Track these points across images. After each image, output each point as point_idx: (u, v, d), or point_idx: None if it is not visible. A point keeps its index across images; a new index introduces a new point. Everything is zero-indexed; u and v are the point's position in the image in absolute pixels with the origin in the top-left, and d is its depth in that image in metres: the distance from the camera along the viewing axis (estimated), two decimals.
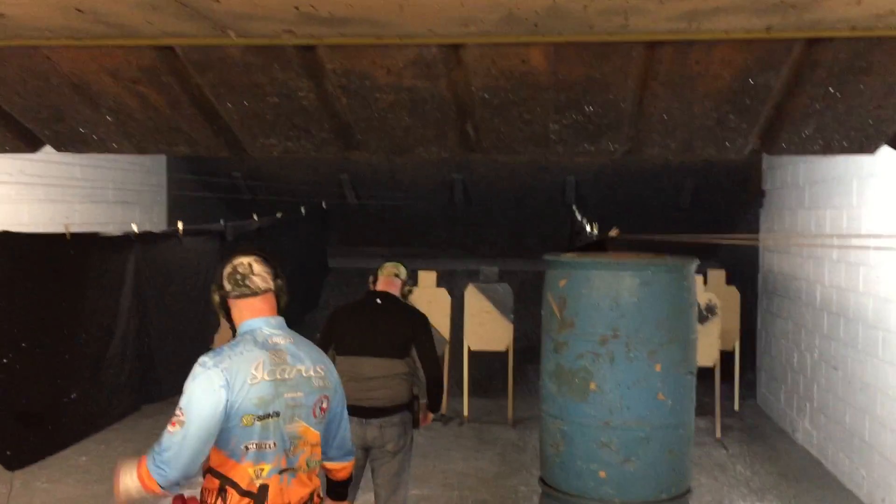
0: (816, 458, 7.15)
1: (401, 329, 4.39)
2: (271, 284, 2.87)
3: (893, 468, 5.63)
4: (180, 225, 6.29)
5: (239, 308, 2.85)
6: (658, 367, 3.80)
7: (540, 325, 4.17)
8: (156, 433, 2.71)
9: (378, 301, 4.46)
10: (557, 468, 3.99)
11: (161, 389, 5.86)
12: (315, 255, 10.26)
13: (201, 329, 6.34)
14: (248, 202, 9.95)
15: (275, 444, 2.69)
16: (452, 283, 9.29)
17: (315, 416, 2.82)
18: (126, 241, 5.55)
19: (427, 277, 8.34)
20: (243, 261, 2.86)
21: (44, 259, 4.70)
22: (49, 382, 4.71)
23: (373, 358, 4.27)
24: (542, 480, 4.15)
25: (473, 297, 8.24)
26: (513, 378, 8.39)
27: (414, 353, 4.42)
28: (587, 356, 3.84)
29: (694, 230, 6.33)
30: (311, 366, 2.84)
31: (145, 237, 5.81)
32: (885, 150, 3.19)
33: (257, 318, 2.82)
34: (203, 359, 2.67)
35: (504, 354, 8.36)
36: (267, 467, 2.68)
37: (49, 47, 2.85)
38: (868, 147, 3.12)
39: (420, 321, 4.51)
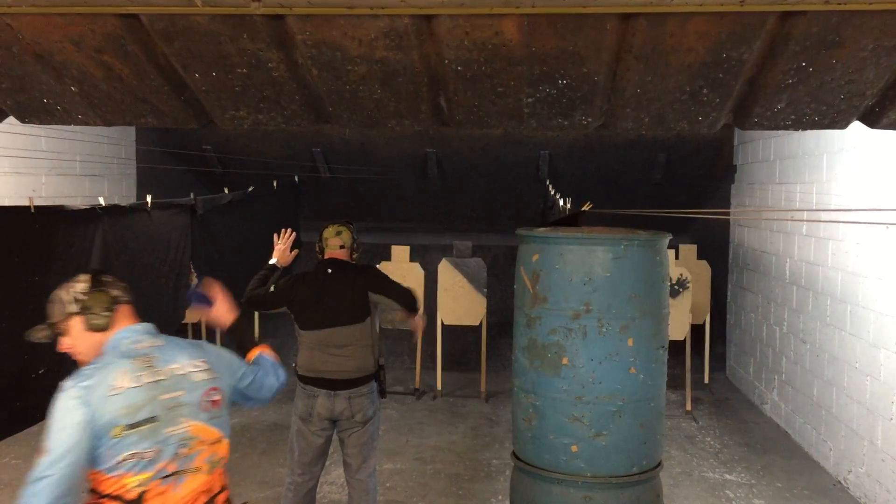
0: (784, 430, 7.26)
1: (356, 291, 4.40)
2: (124, 294, 2.78)
3: (860, 440, 5.72)
4: (149, 198, 6.19)
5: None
6: (630, 342, 3.82)
7: (513, 300, 4.17)
8: None
9: (329, 271, 4.46)
10: (529, 442, 4.01)
11: None
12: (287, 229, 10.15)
13: (171, 304, 6.29)
14: (219, 176, 9.82)
15: (158, 450, 2.54)
16: (426, 258, 9.28)
17: (206, 411, 2.67)
18: (92, 215, 5.45)
19: (400, 252, 8.32)
20: (78, 292, 2.81)
21: (8, 232, 4.61)
22: (15, 358, 4.64)
23: (334, 328, 4.31)
24: (514, 455, 4.17)
25: (447, 272, 8.24)
26: (486, 352, 8.43)
27: (376, 318, 4.47)
28: (560, 331, 3.85)
29: (666, 204, 6.36)
30: (187, 362, 2.69)
31: (112, 210, 5.70)
32: (855, 125, 3.20)
33: (119, 330, 2.69)
34: (62, 382, 2.54)
35: (477, 329, 8.39)
36: (148, 475, 2.53)
37: (10, 15, 2.77)
38: (839, 122, 3.13)
39: (371, 271, 4.57)
